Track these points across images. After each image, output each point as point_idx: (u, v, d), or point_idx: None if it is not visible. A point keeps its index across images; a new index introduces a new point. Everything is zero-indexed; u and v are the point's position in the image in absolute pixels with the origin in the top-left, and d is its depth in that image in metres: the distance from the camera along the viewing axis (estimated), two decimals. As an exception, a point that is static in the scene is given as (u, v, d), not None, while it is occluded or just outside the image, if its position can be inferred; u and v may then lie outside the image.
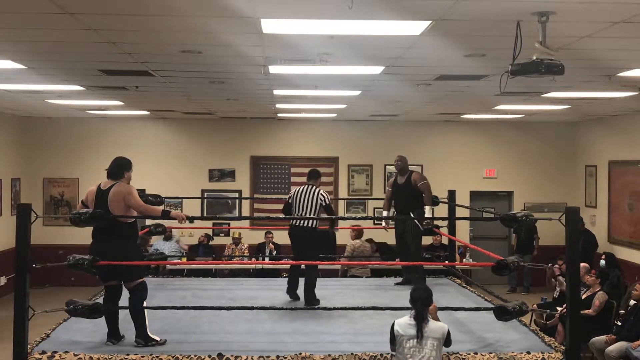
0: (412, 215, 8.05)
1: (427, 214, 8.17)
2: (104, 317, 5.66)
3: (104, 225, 5.64)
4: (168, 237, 12.57)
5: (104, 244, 5.63)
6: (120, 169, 5.81)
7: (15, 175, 13.41)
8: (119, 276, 5.75)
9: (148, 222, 9.48)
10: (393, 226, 8.58)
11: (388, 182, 9.06)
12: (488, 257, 6.91)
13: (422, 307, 4.92)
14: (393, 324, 5.00)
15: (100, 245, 5.64)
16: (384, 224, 8.73)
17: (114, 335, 5.72)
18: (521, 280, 13.59)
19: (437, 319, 5.13)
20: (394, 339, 4.96)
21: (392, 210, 8.55)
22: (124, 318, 5.82)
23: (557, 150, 14.42)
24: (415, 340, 4.84)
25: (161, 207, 6.11)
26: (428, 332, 4.86)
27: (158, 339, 5.66)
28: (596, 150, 13.42)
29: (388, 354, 5.21)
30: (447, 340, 4.96)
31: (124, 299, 5.84)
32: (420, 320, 4.87)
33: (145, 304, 5.74)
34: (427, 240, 9.32)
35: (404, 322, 4.95)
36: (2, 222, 12.59)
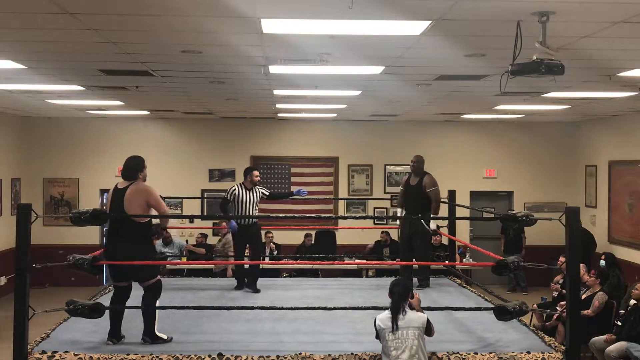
0: (420, 217, 8.03)
1: (431, 225, 8.22)
2: (108, 315, 5.66)
3: (119, 225, 5.67)
4: (167, 242, 12.44)
5: (119, 245, 5.65)
6: (133, 170, 5.79)
7: (15, 175, 13.40)
8: (132, 277, 5.76)
9: (153, 222, 9.45)
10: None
11: (402, 180, 8.98)
12: (488, 257, 6.92)
13: (398, 299, 5.05)
14: (375, 320, 5.13)
15: (115, 246, 5.68)
16: (399, 222, 8.72)
17: (115, 334, 5.72)
18: (517, 281, 13.57)
19: (420, 311, 5.20)
20: (377, 333, 5.09)
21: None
22: (125, 318, 5.82)
23: (557, 150, 14.41)
24: (396, 332, 4.93)
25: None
26: (407, 323, 4.97)
27: (165, 337, 5.71)
28: (596, 150, 13.42)
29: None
30: (427, 329, 5.05)
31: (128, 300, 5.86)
32: (396, 312, 4.99)
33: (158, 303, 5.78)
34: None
35: (385, 316, 5.09)
36: (2, 222, 12.58)
